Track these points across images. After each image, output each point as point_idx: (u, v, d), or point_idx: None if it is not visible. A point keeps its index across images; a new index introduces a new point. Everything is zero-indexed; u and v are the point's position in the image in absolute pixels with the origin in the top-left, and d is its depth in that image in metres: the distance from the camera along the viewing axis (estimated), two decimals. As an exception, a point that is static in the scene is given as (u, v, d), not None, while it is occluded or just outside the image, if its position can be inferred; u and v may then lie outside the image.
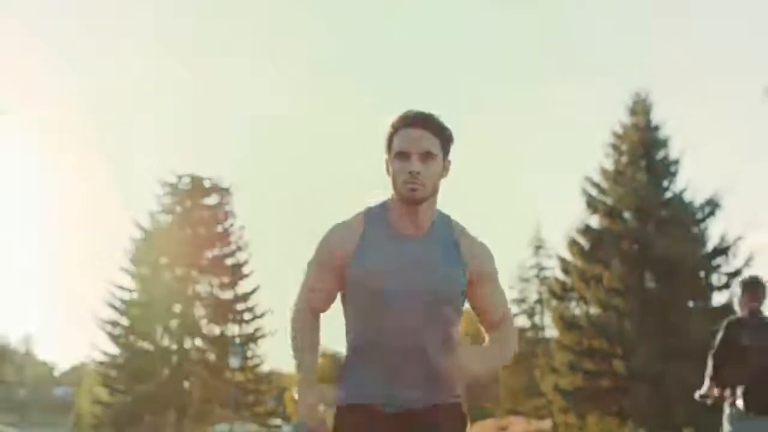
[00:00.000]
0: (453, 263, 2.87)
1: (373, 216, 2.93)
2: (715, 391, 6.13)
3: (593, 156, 29.70)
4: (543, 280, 40.04)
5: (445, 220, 2.95)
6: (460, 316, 2.93)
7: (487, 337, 3.04)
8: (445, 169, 2.91)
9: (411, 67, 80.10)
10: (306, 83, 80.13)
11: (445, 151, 2.89)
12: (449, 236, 2.91)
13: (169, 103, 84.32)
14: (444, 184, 2.92)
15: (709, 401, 6.24)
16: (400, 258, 2.84)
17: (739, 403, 5.95)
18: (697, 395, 6.32)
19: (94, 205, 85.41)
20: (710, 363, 6.19)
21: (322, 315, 3.02)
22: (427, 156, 2.82)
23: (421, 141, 2.82)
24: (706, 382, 6.18)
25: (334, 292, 2.96)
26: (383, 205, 2.94)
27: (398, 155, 2.83)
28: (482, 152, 67.03)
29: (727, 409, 6.14)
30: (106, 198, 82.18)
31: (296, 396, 2.88)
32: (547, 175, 71.75)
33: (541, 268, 41.11)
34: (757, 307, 6.08)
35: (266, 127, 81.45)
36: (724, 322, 6.22)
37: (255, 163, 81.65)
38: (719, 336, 6.15)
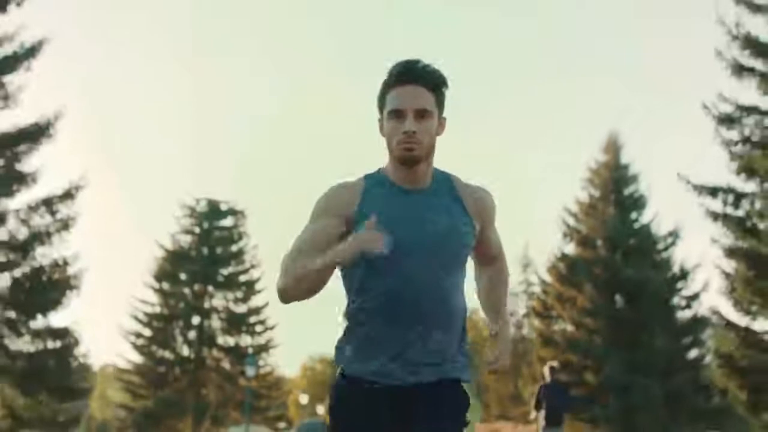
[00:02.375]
0: (460, 216, 2.84)
1: (372, 176, 2.88)
2: (537, 416, 12.41)
3: (585, 163, 33.96)
4: (530, 296, 44.66)
5: (445, 176, 2.91)
6: (465, 274, 2.91)
7: (482, 269, 3.13)
8: (441, 126, 2.83)
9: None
10: (306, 84, 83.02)
11: (441, 106, 2.82)
12: (451, 190, 2.87)
13: (170, 105, 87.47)
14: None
15: (535, 422, 12.59)
16: (407, 210, 2.79)
17: (542, 422, 12.25)
18: (530, 417, 13.00)
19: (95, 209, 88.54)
20: (533, 402, 12.46)
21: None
22: (422, 114, 2.74)
23: (415, 98, 2.74)
24: (533, 412, 12.50)
25: (334, 238, 2.80)
26: (380, 170, 2.90)
27: (392, 114, 2.76)
28: (475, 159, 70.24)
29: (538, 424, 12.44)
30: (105, 198, 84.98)
31: (338, 257, 2.64)
32: (540, 182, 75.68)
33: (529, 284, 45.68)
34: (552, 379, 12.48)
35: (267, 130, 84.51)
36: (540, 385, 12.63)
37: (255, 165, 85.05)
38: (537, 391, 12.58)
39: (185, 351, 39.12)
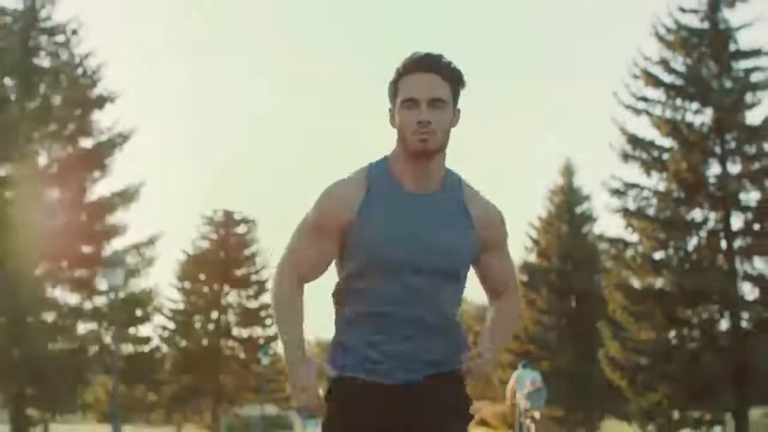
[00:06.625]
0: (464, 229, 2.88)
1: (377, 173, 2.88)
2: None
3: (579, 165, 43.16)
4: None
5: (456, 180, 2.93)
6: (464, 285, 2.97)
7: (490, 306, 3.11)
8: (455, 117, 2.86)
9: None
10: (306, 84, 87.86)
11: (456, 98, 2.86)
12: (460, 198, 2.90)
13: (169, 105, 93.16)
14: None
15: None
16: (409, 221, 2.82)
17: None
18: None
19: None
20: None
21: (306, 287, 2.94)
22: (437, 103, 2.78)
23: (430, 87, 2.78)
24: None
25: (329, 260, 2.92)
26: (385, 161, 2.89)
27: (405, 103, 2.79)
28: (465, 163, 77.34)
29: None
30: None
31: (288, 373, 2.83)
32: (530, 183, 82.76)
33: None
34: None
35: (267, 128, 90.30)
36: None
37: (255, 162, 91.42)
38: None
39: (205, 342, 45.70)
